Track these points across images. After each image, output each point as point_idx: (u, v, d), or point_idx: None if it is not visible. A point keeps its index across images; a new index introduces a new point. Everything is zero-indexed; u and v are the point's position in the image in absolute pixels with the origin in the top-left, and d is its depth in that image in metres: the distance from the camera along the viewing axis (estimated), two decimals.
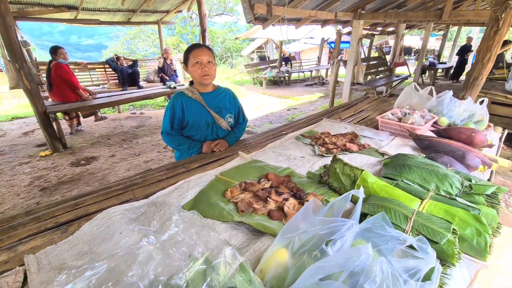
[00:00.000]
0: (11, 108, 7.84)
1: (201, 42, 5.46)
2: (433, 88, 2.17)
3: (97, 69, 5.93)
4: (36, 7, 4.98)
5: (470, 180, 1.06)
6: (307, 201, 1.02)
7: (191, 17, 19.45)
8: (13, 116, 6.56)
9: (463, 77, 9.80)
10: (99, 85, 5.83)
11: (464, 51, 9.38)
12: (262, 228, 0.87)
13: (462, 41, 13.47)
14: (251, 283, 0.55)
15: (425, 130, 1.74)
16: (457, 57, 9.65)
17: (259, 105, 7.47)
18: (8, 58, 3.58)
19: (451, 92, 2.03)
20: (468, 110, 1.86)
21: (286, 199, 1.02)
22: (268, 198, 1.03)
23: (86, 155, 3.91)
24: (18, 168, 3.52)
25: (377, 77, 7.85)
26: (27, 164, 3.65)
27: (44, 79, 4.53)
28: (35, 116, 3.88)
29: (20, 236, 0.88)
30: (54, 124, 3.96)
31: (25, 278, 0.71)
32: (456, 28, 11.50)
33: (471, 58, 10.25)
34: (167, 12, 6.97)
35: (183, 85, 6.05)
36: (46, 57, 4.35)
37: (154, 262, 0.56)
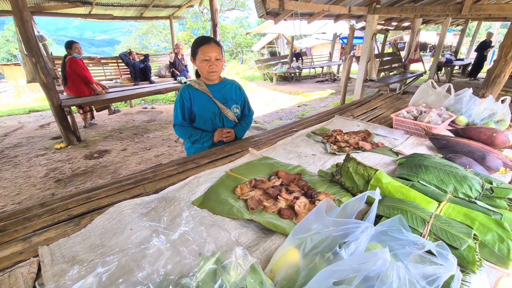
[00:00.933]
0: (28, 101, 8.11)
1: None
2: (451, 85, 2.08)
3: (110, 64, 6.03)
4: (52, 2, 5.07)
5: (491, 183, 1.01)
6: (319, 200, 0.99)
7: (202, 12, 19.44)
8: (30, 109, 6.78)
9: (481, 75, 9.44)
10: (112, 80, 5.93)
11: (484, 47, 9.00)
12: (272, 226, 0.86)
13: (481, 37, 12.93)
14: (262, 285, 0.54)
15: (442, 129, 1.68)
16: (475, 53, 9.28)
17: (269, 101, 7.43)
18: (25, 53, 3.67)
19: (470, 90, 1.95)
20: (489, 109, 1.77)
21: (297, 198, 1.00)
22: (278, 196, 1.02)
23: (99, 148, 4.00)
24: (35, 160, 3.64)
25: (391, 73, 7.64)
26: (43, 156, 3.77)
27: (60, 73, 4.64)
28: (50, 110, 3.98)
29: (34, 227, 0.90)
30: (68, 117, 4.06)
31: (39, 269, 0.73)
32: (475, 23, 11.02)
33: (490, 54, 9.85)
34: (179, 7, 6.97)
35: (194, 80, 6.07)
36: (62, 51, 4.45)
37: (164, 258, 0.56)
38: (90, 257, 0.72)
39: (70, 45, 4.29)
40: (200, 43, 1.52)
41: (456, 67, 9.67)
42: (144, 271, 0.49)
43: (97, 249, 0.78)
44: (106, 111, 5.56)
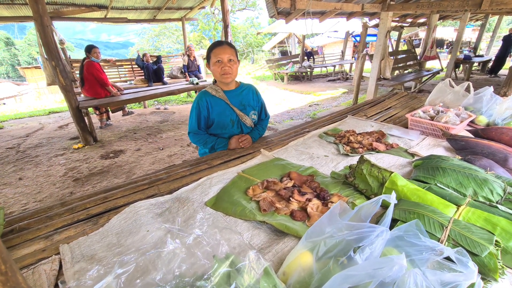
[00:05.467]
0: (48, 103, 8.45)
1: (224, 38, 5.48)
2: (470, 84, 2.01)
3: (124, 66, 6.19)
4: (70, 7, 5.26)
5: None
6: (331, 202, 0.98)
7: (213, 13, 19.61)
8: (50, 110, 7.05)
9: (502, 71, 9.03)
10: (126, 81, 6.08)
11: (508, 41, 8.61)
12: (284, 228, 0.85)
13: (502, 32, 12.37)
14: None
15: (461, 130, 1.62)
16: (497, 49, 8.88)
17: (280, 101, 7.40)
18: (45, 56, 3.82)
19: (491, 88, 1.87)
20: (511, 108, 1.70)
21: (309, 200, 1.00)
22: (290, 198, 1.01)
23: (114, 149, 4.11)
24: (54, 160, 3.78)
25: (406, 71, 7.44)
26: (62, 156, 3.91)
27: (77, 75, 4.81)
28: (69, 111, 4.13)
29: (56, 226, 0.94)
30: (86, 118, 4.20)
31: (61, 266, 0.76)
32: (496, 17, 10.54)
33: None
34: (191, 8, 7.07)
35: (206, 80, 6.14)
36: (80, 54, 4.60)
37: (178, 260, 0.57)
38: (108, 256, 0.75)
39: (89, 49, 4.45)
40: (213, 46, 1.52)
41: (475, 64, 9.29)
42: (160, 272, 0.51)
43: (114, 248, 0.80)
44: (120, 112, 5.73)
